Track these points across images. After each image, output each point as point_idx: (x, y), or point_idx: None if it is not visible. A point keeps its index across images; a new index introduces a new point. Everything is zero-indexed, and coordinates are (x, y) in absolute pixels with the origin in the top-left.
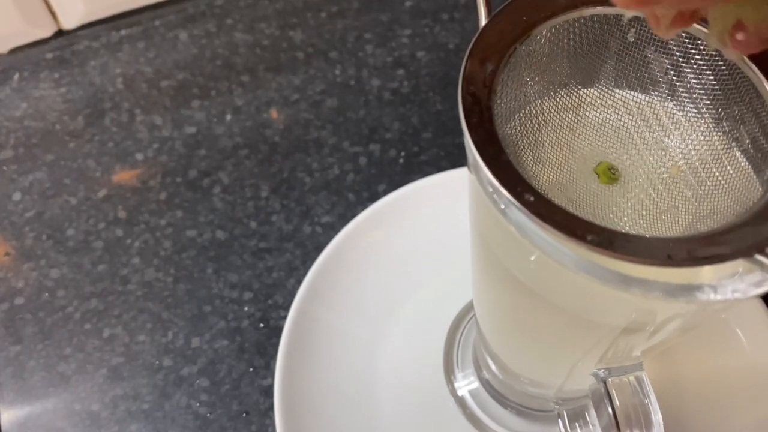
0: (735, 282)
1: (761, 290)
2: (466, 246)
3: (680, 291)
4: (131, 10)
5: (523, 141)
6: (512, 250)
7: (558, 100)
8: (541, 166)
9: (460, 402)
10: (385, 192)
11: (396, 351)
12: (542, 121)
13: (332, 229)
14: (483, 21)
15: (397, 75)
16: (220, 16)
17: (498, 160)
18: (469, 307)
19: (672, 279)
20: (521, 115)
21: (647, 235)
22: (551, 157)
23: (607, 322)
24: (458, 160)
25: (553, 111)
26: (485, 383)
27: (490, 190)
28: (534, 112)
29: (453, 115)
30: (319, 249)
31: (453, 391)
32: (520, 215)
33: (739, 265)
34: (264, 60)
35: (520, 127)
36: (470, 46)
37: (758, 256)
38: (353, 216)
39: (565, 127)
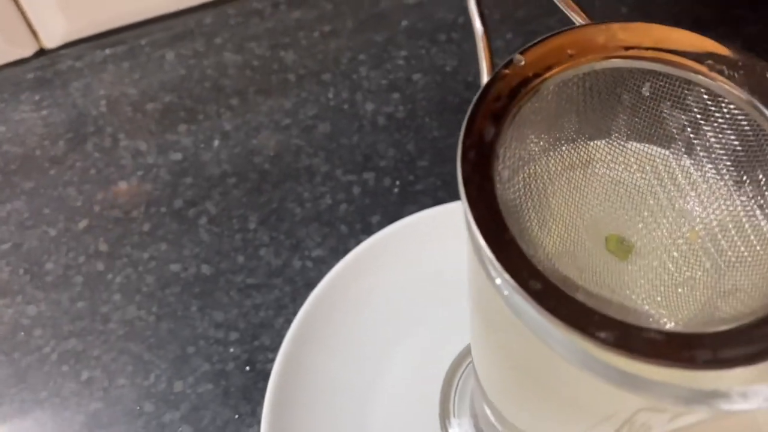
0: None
1: None
2: (465, 285)
3: (702, 397)
4: (116, 28)
5: (527, 203)
6: (513, 334)
7: (565, 156)
8: (547, 230)
9: None
10: (379, 223)
11: (390, 397)
12: (548, 180)
13: (323, 264)
14: (485, 78)
15: (393, 99)
16: (209, 34)
17: (501, 239)
18: (467, 350)
19: (689, 383)
20: (524, 174)
21: (668, 330)
22: (558, 220)
23: (616, 412)
24: (455, 190)
25: (560, 169)
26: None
27: (493, 273)
28: (539, 170)
29: (450, 142)
30: (310, 285)
31: None
32: (524, 304)
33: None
34: (254, 82)
35: (524, 188)
36: (470, 109)
37: None
38: (345, 249)
39: (572, 186)
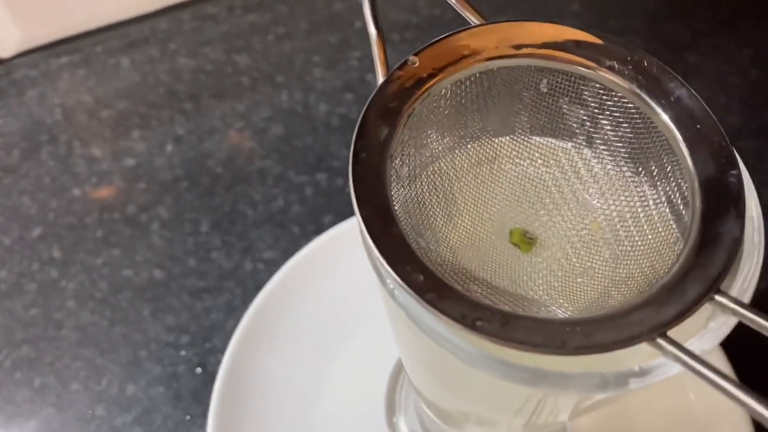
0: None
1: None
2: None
3: (598, 386)
4: (71, 35)
5: (432, 200)
6: (411, 335)
7: (471, 153)
8: (452, 225)
9: None
10: (332, 223)
11: (337, 396)
12: (454, 177)
13: (275, 266)
14: (380, 79)
15: (346, 99)
16: (163, 40)
17: (389, 236)
18: None
19: (570, 366)
20: (430, 171)
21: (546, 317)
22: (464, 215)
23: (517, 404)
24: None
25: (466, 165)
26: (425, 429)
27: (381, 270)
28: (445, 167)
29: None
30: (261, 287)
31: None
32: (408, 298)
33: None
34: (208, 86)
35: (429, 185)
36: (363, 110)
37: (660, 340)
38: (297, 250)
39: (479, 181)
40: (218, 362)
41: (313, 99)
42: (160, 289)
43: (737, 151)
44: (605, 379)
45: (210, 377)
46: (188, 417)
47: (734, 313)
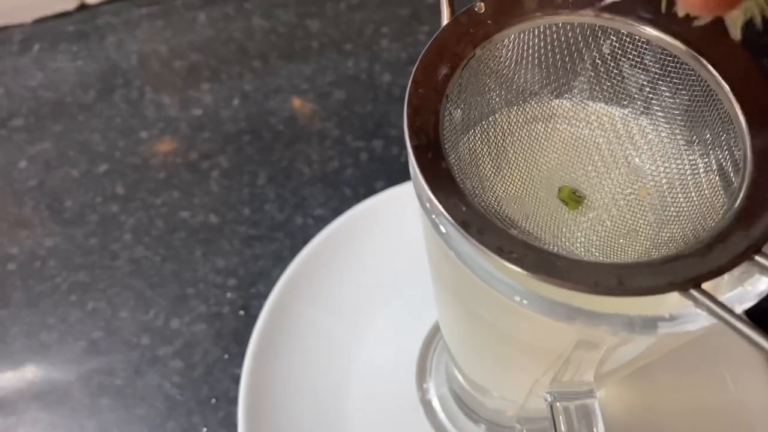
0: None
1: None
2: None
3: (630, 324)
4: None
5: (483, 150)
6: (452, 273)
7: (527, 110)
8: (500, 177)
9: (429, 411)
10: (383, 189)
11: (371, 352)
12: (508, 131)
13: (324, 223)
14: (445, 21)
15: (409, 71)
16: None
17: (435, 167)
18: None
19: (605, 309)
20: (486, 123)
21: (583, 259)
22: (513, 168)
23: (548, 347)
24: None
25: (521, 121)
26: (455, 395)
27: (423, 196)
28: (500, 120)
29: None
30: (309, 242)
31: (423, 399)
32: (447, 224)
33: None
34: (278, 47)
35: (482, 135)
36: (426, 47)
37: (693, 291)
38: (347, 211)
39: (532, 138)
40: (261, 307)
41: (378, 68)
42: (213, 233)
43: None
44: (633, 321)
45: (251, 320)
46: (227, 356)
47: None
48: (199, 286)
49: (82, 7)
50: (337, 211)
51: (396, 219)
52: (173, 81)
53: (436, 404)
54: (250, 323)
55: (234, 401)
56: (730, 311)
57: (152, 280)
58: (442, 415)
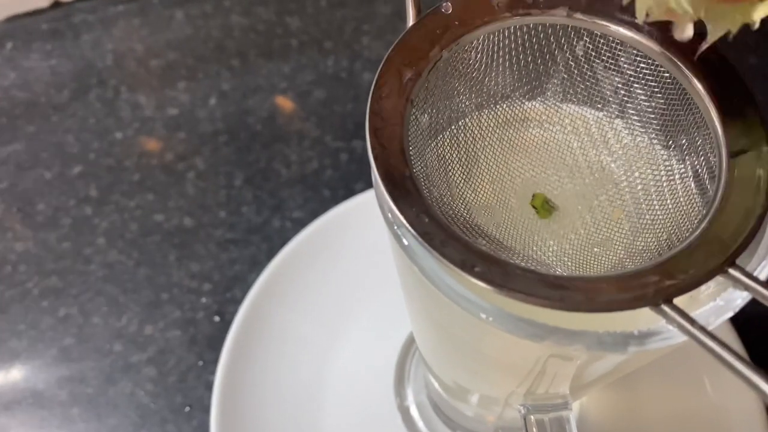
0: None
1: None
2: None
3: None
4: None
5: (452, 155)
6: (417, 288)
7: (499, 113)
8: (470, 183)
9: (407, 418)
10: (363, 191)
11: (348, 359)
12: (479, 136)
13: (302, 225)
14: (410, 23)
15: None
16: None
17: (398, 176)
18: None
19: (576, 324)
20: (455, 128)
21: (551, 272)
22: (484, 174)
23: (519, 362)
24: None
25: (492, 125)
26: (432, 402)
27: (386, 208)
28: (470, 124)
29: None
30: (286, 245)
31: (401, 406)
32: (409, 236)
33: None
34: (256, 45)
35: (452, 140)
36: (389, 51)
37: (664, 307)
38: (326, 213)
39: (504, 143)
40: (236, 312)
41: (359, 67)
42: (188, 236)
43: None
44: (602, 339)
45: (226, 326)
46: (201, 362)
47: (747, 288)
48: (173, 291)
49: (57, 5)
50: (315, 213)
51: (375, 222)
52: (149, 80)
53: (414, 411)
54: (225, 329)
55: (208, 409)
56: (702, 328)
57: (126, 286)
58: (420, 423)
